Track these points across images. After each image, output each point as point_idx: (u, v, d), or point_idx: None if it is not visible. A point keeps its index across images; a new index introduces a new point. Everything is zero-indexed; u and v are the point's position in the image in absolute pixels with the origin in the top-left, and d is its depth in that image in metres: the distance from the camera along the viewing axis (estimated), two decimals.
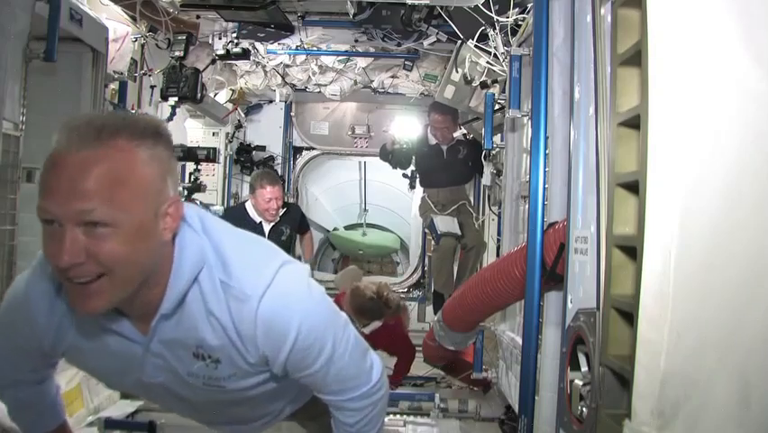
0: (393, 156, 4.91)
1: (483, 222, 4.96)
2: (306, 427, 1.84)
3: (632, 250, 1.09)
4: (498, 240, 4.08)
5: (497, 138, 3.26)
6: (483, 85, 3.36)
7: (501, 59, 3.06)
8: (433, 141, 4.67)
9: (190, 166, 3.49)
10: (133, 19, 3.38)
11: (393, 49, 4.30)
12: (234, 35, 3.80)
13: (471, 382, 3.45)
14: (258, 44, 4.30)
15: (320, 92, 5.25)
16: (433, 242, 4.86)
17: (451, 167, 4.71)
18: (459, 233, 4.56)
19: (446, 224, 4.58)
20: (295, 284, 1.21)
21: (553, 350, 1.93)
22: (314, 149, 6.09)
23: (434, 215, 4.67)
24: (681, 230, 0.97)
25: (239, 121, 5.51)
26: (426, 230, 5.15)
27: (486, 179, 4.09)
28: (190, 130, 4.98)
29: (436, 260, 4.69)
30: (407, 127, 5.39)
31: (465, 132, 4.80)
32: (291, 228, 4.34)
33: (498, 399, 3.25)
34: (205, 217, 1.20)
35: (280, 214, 4.18)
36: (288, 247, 4.45)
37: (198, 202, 3.40)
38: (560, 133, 2.01)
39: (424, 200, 4.89)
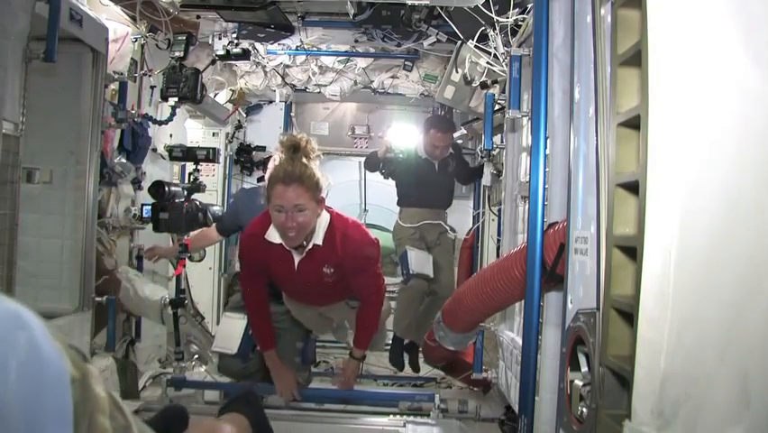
0: (385, 165, 4.46)
1: (484, 220, 4.84)
2: None
3: (632, 250, 1.09)
4: (498, 240, 4.08)
5: (497, 138, 3.26)
6: (483, 85, 3.36)
7: (501, 60, 3.06)
8: (423, 154, 4.36)
9: (190, 166, 3.49)
10: (133, 19, 3.38)
11: (393, 49, 4.30)
12: (234, 35, 3.80)
13: (471, 383, 3.45)
14: (258, 45, 4.30)
15: (320, 92, 5.25)
16: (402, 275, 4.24)
17: (439, 184, 4.39)
18: (431, 275, 4.19)
19: (420, 262, 4.16)
20: None
21: (553, 350, 1.93)
22: None
23: (409, 246, 4.22)
24: (681, 230, 0.97)
25: (239, 121, 5.51)
26: (397, 260, 4.59)
27: (486, 179, 4.06)
28: (190, 130, 4.98)
29: (404, 300, 4.19)
30: (405, 135, 4.97)
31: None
32: None
33: (498, 399, 3.25)
34: None
35: None
36: None
37: (198, 202, 3.40)
38: (560, 134, 2.01)
39: (398, 225, 4.44)
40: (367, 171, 5.01)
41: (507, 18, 2.88)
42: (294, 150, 2.52)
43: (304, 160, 2.49)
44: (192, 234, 3.47)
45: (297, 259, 2.69)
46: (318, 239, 2.63)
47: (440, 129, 4.31)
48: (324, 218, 2.66)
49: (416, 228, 4.33)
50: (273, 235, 2.63)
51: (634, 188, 1.08)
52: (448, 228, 4.48)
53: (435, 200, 4.42)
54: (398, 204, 4.53)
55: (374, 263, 2.82)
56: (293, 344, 3.25)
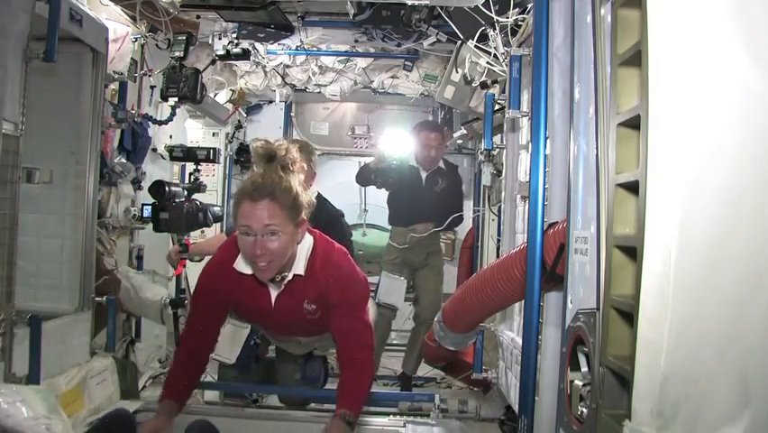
0: (377, 175, 4.11)
1: (483, 213, 4.78)
2: None
3: (632, 250, 1.09)
4: (498, 240, 4.08)
5: (497, 138, 3.26)
6: (483, 85, 3.36)
7: (501, 60, 3.06)
8: (415, 163, 4.21)
9: (190, 166, 3.49)
10: (133, 19, 3.38)
11: (393, 49, 4.30)
12: (234, 35, 3.80)
13: (471, 383, 3.45)
14: (258, 44, 4.30)
15: (320, 92, 5.25)
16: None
17: (428, 201, 4.18)
18: (398, 307, 4.01)
19: (391, 290, 3.96)
20: None
21: (553, 350, 1.94)
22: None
23: (385, 272, 4.05)
24: (680, 230, 0.97)
25: (239, 121, 5.52)
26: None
27: (486, 179, 4.05)
28: (190, 130, 4.98)
29: None
30: (399, 143, 4.70)
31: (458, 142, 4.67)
32: None
33: (498, 399, 3.25)
34: None
35: None
36: None
37: (198, 202, 3.39)
38: (560, 134, 2.01)
39: (387, 245, 4.25)
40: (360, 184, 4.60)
41: (507, 18, 2.87)
42: (268, 159, 2.05)
43: (280, 171, 2.02)
44: (200, 243, 3.43)
45: (274, 294, 2.18)
46: (300, 269, 2.11)
47: (431, 129, 4.27)
48: (307, 243, 2.15)
49: (400, 251, 4.15)
50: (243, 265, 2.11)
51: (634, 188, 1.08)
52: (443, 237, 4.37)
53: (425, 220, 4.19)
54: (389, 222, 4.39)
55: (359, 305, 2.21)
56: (293, 359, 2.95)
